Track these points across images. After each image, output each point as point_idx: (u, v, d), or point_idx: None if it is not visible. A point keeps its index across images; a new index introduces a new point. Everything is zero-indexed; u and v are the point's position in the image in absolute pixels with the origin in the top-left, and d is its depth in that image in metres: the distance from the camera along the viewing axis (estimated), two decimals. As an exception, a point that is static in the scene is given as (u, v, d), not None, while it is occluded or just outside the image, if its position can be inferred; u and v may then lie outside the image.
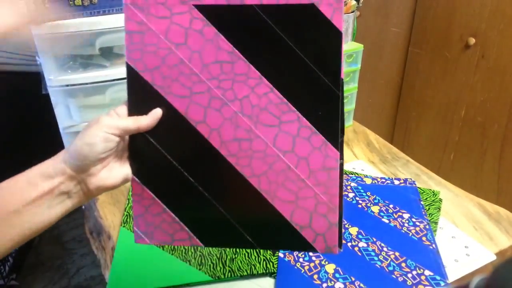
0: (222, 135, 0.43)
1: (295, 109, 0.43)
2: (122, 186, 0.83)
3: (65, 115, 0.81)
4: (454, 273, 0.60)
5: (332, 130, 0.42)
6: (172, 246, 0.65)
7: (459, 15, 1.40)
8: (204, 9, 0.42)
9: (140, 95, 0.43)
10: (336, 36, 0.41)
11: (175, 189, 0.44)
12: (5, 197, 0.39)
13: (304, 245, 0.44)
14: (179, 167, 0.44)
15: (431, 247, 0.64)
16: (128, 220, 0.71)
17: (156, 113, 0.43)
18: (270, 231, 0.44)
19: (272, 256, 0.63)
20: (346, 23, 0.94)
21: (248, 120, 0.43)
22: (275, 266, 0.61)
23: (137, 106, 0.44)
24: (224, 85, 0.43)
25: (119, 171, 0.43)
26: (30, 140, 1.60)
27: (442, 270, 0.60)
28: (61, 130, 0.82)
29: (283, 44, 0.42)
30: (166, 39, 0.43)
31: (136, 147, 0.44)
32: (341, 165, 0.43)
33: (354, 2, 0.93)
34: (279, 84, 0.42)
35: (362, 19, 1.53)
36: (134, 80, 0.43)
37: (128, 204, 0.74)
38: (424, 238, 0.65)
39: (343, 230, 0.68)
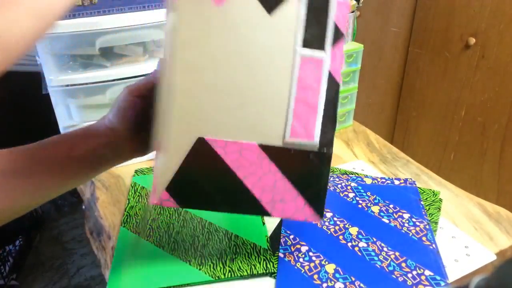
0: None
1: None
2: (122, 186, 0.83)
3: (65, 115, 0.81)
4: (454, 273, 0.60)
5: None
6: (172, 246, 0.65)
7: (459, 15, 1.40)
8: None
9: None
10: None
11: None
12: None
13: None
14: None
15: (431, 247, 0.64)
16: (128, 220, 0.71)
17: None
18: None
19: (272, 256, 0.63)
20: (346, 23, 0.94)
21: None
22: (275, 266, 0.61)
23: None
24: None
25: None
26: (30, 140, 1.60)
27: (442, 270, 0.60)
28: (61, 130, 0.83)
29: None
30: None
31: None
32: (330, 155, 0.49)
33: (354, 2, 0.93)
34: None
35: (362, 19, 1.53)
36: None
37: (128, 204, 0.74)
38: (424, 238, 0.65)
39: (343, 231, 0.68)
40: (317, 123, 0.48)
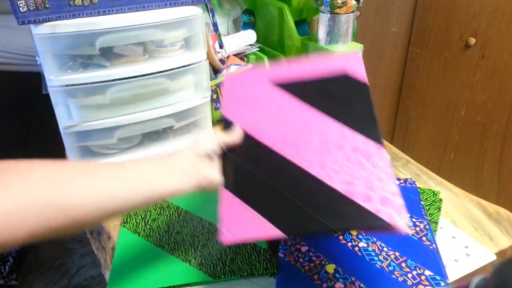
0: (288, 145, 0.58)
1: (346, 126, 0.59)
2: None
3: (65, 115, 0.81)
4: (454, 273, 0.60)
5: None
6: (172, 246, 0.65)
7: (459, 15, 1.40)
8: (282, 86, 0.65)
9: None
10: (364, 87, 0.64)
11: (257, 192, 0.54)
12: None
13: (370, 219, 0.48)
14: (257, 174, 0.56)
15: (431, 247, 0.64)
16: (128, 220, 0.71)
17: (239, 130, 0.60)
18: (337, 210, 0.50)
19: (272, 256, 0.63)
20: (346, 23, 0.94)
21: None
22: (275, 266, 0.61)
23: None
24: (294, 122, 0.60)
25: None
26: (30, 140, 1.60)
27: (442, 270, 0.60)
28: (61, 130, 0.82)
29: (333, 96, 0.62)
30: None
31: (225, 166, 0.57)
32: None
33: (354, 2, 0.93)
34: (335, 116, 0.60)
35: (362, 19, 1.53)
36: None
37: None
38: (424, 238, 0.65)
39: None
40: None
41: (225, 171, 0.57)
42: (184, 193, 0.51)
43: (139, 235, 0.67)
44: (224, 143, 0.57)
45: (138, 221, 0.71)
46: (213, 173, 0.54)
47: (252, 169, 0.57)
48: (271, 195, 0.53)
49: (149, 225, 0.69)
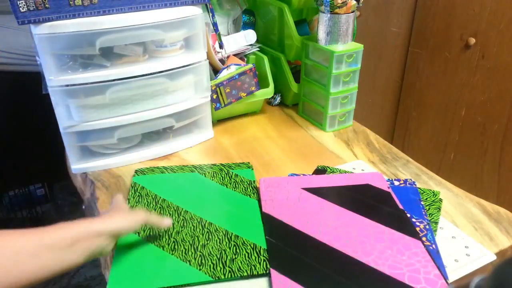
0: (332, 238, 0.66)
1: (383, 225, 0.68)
2: (122, 186, 0.83)
3: (65, 115, 0.81)
4: (454, 273, 0.60)
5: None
6: (172, 246, 0.65)
7: (459, 15, 1.40)
8: (312, 190, 0.77)
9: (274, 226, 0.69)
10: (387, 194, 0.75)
11: (305, 273, 0.59)
12: None
13: None
14: (305, 259, 0.62)
15: (431, 247, 0.64)
16: None
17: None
18: None
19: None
20: (346, 23, 0.94)
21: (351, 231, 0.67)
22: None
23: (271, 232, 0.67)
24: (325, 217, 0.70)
25: None
26: (30, 140, 1.60)
27: (442, 270, 0.60)
28: (61, 130, 0.82)
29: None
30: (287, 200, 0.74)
31: (272, 252, 0.63)
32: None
33: (354, 2, 0.93)
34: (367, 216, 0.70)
35: (362, 19, 1.53)
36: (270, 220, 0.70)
37: (128, 204, 0.74)
38: (424, 238, 0.65)
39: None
40: None
41: (274, 256, 0.63)
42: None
43: (139, 235, 0.67)
44: (149, 223, 0.62)
45: None
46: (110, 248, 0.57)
47: (300, 254, 0.63)
48: (322, 278, 0.59)
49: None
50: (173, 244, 0.65)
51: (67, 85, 0.78)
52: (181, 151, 0.95)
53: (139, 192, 0.78)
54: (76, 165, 0.87)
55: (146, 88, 0.85)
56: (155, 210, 0.73)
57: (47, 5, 0.71)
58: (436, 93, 1.56)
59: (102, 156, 0.89)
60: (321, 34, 0.97)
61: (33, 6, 0.70)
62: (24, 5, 0.70)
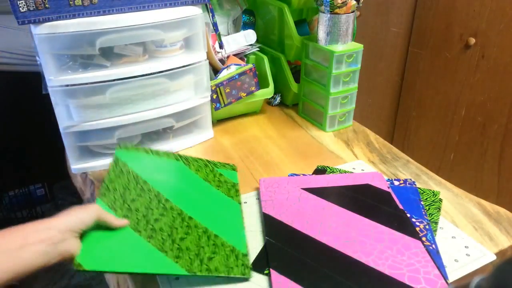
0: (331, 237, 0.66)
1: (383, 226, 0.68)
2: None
3: (65, 115, 0.81)
4: (454, 273, 0.60)
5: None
6: (150, 234, 0.62)
7: (459, 15, 1.40)
8: (311, 190, 0.77)
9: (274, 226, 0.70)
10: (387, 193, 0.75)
11: (305, 274, 0.60)
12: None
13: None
14: (305, 259, 0.62)
15: (431, 247, 0.64)
16: (106, 194, 0.66)
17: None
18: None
19: (250, 263, 0.63)
20: (346, 23, 0.94)
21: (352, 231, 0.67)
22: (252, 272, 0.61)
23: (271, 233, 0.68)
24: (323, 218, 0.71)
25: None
26: (30, 140, 1.60)
27: (442, 270, 0.60)
28: (61, 130, 0.82)
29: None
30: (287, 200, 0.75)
31: (272, 252, 0.64)
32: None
33: (354, 2, 0.93)
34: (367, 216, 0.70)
35: (362, 19, 1.53)
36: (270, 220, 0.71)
37: (108, 177, 0.69)
38: (424, 238, 0.65)
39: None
40: None
41: (274, 256, 0.63)
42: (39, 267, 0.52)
43: (116, 213, 0.63)
44: (101, 219, 0.59)
45: (116, 197, 0.65)
46: (74, 247, 0.55)
47: (300, 255, 0.63)
48: (322, 278, 0.59)
49: (127, 204, 0.65)
50: (151, 231, 0.62)
51: (67, 85, 0.78)
52: (181, 151, 0.95)
53: (120, 168, 0.71)
54: (76, 165, 0.87)
55: (146, 88, 0.85)
56: (134, 190, 0.69)
57: (47, 5, 0.71)
58: (436, 93, 1.56)
59: (102, 156, 0.89)
60: (321, 34, 0.97)
61: (33, 6, 0.70)
62: (24, 5, 0.70)
